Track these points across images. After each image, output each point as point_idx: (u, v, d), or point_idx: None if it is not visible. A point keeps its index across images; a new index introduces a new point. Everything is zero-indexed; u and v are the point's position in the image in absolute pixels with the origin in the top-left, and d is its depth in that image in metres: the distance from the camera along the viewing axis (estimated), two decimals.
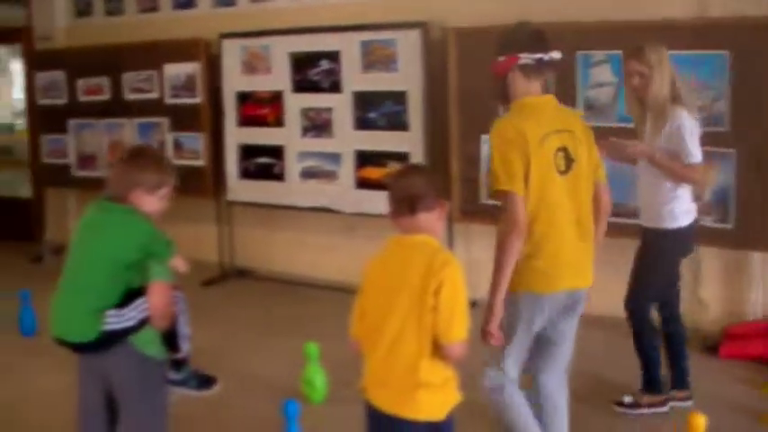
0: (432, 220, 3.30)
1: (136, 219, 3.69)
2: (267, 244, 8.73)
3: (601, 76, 6.57)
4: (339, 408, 5.25)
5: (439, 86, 7.26)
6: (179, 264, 3.91)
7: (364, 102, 7.62)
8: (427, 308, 3.12)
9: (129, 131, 9.18)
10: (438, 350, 3.16)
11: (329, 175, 7.86)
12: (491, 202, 7.01)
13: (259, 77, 8.21)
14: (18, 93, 15.43)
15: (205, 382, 5.57)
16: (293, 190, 8.11)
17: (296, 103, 8.02)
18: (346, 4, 7.95)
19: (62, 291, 3.74)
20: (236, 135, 8.46)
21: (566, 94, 6.56)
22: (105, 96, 9.37)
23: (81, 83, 9.56)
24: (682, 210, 4.94)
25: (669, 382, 5.26)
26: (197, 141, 8.66)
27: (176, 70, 8.73)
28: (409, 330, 3.16)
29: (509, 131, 3.77)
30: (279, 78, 8.07)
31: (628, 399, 5.23)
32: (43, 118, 10.11)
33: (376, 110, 7.57)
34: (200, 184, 8.66)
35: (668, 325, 5.28)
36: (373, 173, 7.65)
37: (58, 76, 9.77)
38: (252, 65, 8.25)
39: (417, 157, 7.34)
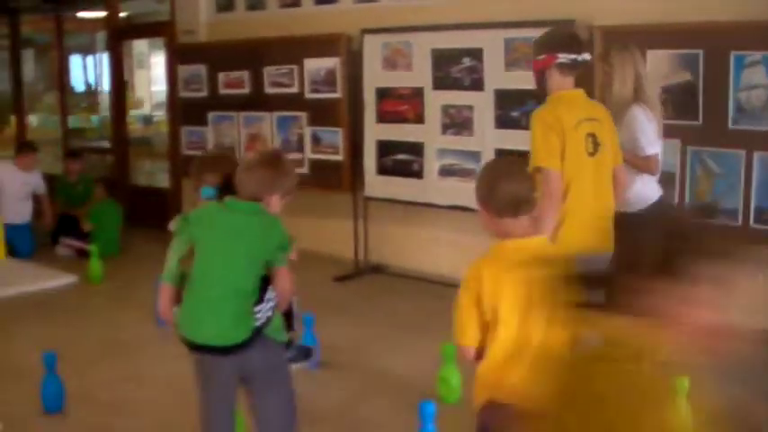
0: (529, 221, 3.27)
1: (275, 220, 3.86)
2: (402, 241, 8.68)
3: (754, 77, 6.33)
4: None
5: (584, 85, 7.08)
6: (293, 255, 4.15)
7: (506, 100, 7.52)
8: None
9: (268, 125, 9.26)
10: None
11: (468, 174, 7.76)
12: None
13: (400, 73, 8.18)
14: (157, 85, 15.81)
15: (307, 353, 5.97)
16: (431, 187, 8.05)
17: (436, 100, 7.96)
18: (490, 1, 7.83)
19: (205, 295, 3.79)
20: (375, 131, 8.46)
21: (717, 95, 6.40)
22: (245, 90, 9.48)
23: (222, 76, 9.70)
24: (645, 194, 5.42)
25: None
26: (336, 136, 8.69)
27: (317, 65, 8.77)
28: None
29: (548, 117, 4.41)
30: (420, 75, 8.02)
31: None
32: (184, 110, 10.30)
33: (518, 108, 7.44)
34: (337, 179, 8.70)
35: None
36: None
37: (200, 69, 9.94)
38: (393, 61, 8.23)
39: None
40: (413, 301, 7.73)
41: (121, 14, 12.27)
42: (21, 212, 9.80)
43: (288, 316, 5.07)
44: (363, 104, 8.46)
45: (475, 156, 7.73)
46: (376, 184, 8.48)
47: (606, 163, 4.55)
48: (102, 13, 12.59)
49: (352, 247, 8.89)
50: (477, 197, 3.26)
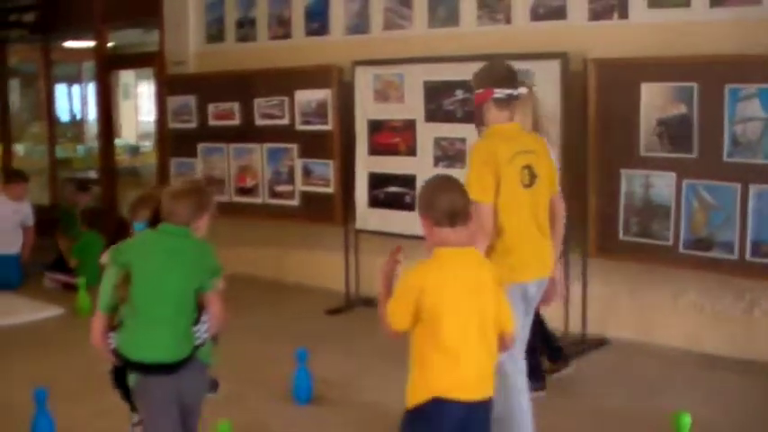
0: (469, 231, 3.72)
1: (207, 245, 4.13)
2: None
3: (748, 110, 6.31)
4: None
5: (577, 119, 7.09)
6: (222, 284, 4.28)
7: None
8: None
9: (258, 157, 9.20)
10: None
11: None
12: (629, 238, 6.88)
13: (392, 105, 8.15)
14: (143, 116, 15.77)
15: (215, 384, 5.93)
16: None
17: (429, 133, 7.92)
18: (483, 33, 7.84)
19: (147, 316, 4.00)
20: (366, 163, 8.41)
21: (712, 128, 6.39)
22: (236, 121, 9.44)
23: (212, 107, 9.65)
24: None
25: None
26: (327, 168, 8.64)
27: (308, 97, 8.74)
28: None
29: (483, 153, 4.60)
30: (412, 107, 7.99)
31: None
32: (173, 141, 10.23)
33: None
34: (328, 212, 8.66)
35: None
36: None
37: (190, 100, 9.88)
38: (385, 93, 8.20)
39: None
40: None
41: (109, 44, 12.21)
42: (10, 243, 9.69)
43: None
44: (355, 136, 8.41)
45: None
46: (367, 216, 8.42)
47: (543, 193, 4.75)
48: (88, 44, 12.55)
49: (343, 279, 8.81)
50: (419, 209, 3.71)
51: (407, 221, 7.99)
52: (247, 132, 9.30)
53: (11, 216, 9.69)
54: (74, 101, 15.89)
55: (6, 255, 9.67)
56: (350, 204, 8.57)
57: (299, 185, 8.91)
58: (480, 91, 4.78)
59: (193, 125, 9.87)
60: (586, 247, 7.19)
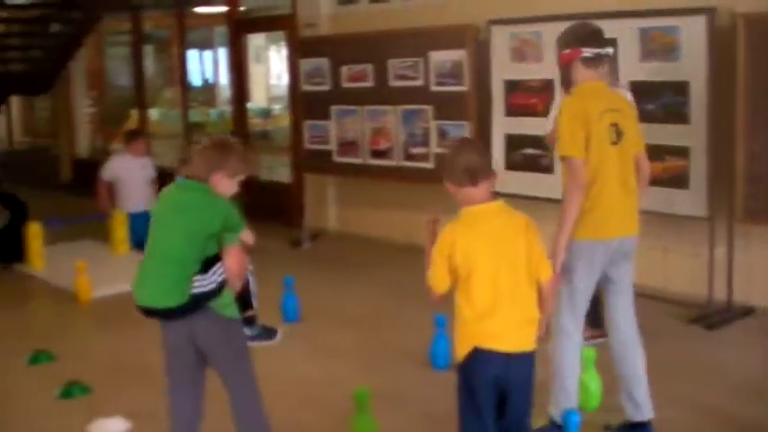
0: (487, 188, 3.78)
1: (216, 197, 4.13)
2: None
3: None
4: (613, 415, 4.95)
5: (725, 77, 6.78)
6: (247, 237, 4.34)
7: (642, 92, 7.14)
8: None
9: (392, 119, 9.12)
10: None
11: None
12: None
13: (529, 65, 7.96)
14: (274, 79, 15.85)
15: (271, 332, 6.57)
16: (558, 182, 7.76)
17: None
18: None
19: (148, 262, 4.14)
20: (503, 125, 8.24)
21: None
22: (369, 83, 9.37)
23: (345, 69, 9.60)
24: None
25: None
26: (462, 130, 8.48)
27: (442, 57, 8.60)
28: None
29: (574, 108, 4.61)
30: (550, 67, 7.68)
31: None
32: (306, 104, 10.21)
33: (654, 101, 7.13)
34: None
35: None
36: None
37: (322, 62, 9.84)
38: (522, 52, 8.00)
39: (699, 152, 6.91)
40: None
41: (240, 9, 12.26)
42: (143, 200, 9.67)
43: (244, 294, 5.58)
44: (491, 97, 8.24)
45: None
46: (504, 179, 8.21)
47: (629, 151, 4.74)
48: (220, 9, 12.63)
49: None
50: (443, 174, 3.79)
51: (545, 184, 7.83)
52: (381, 94, 9.22)
53: (139, 172, 9.60)
54: (205, 66, 16.09)
55: (141, 212, 9.49)
56: None
57: (434, 148, 8.79)
58: (567, 51, 4.78)
59: (326, 87, 9.83)
60: (733, 210, 6.90)
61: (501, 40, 8.11)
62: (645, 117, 7.10)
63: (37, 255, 9.26)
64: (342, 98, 9.69)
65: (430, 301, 3.86)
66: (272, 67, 15.99)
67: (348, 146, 9.64)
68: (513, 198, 7.90)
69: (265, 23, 12.60)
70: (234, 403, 4.31)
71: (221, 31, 13.50)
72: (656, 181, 7.11)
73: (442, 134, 8.66)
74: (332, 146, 9.84)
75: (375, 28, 9.42)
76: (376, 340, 6.65)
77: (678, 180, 7.08)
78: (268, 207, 11.15)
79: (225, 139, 4.35)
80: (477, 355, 3.68)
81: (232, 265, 4.14)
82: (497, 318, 3.68)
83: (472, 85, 8.42)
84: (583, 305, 4.76)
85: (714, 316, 6.79)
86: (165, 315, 4.13)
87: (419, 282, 3.97)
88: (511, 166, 8.23)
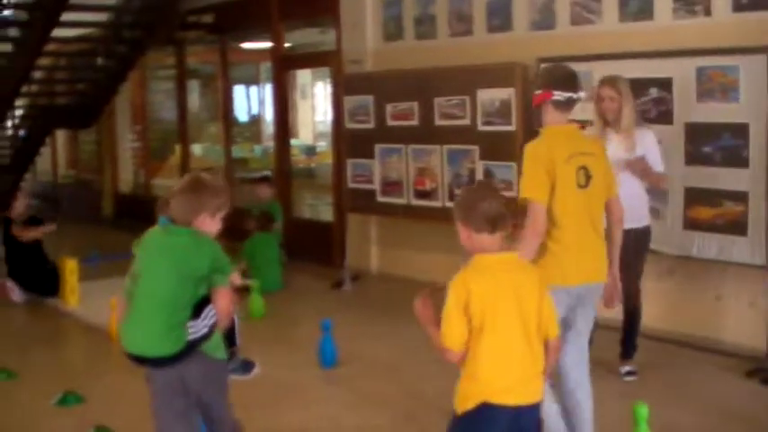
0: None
1: (204, 239, 4.14)
2: None
3: None
4: None
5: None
6: (235, 278, 4.49)
7: (698, 134, 6.95)
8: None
9: (437, 158, 8.89)
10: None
11: (654, 213, 7.21)
12: None
13: (582, 105, 7.64)
14: (319, 116, 15.75)
15: (248, 366, 6.56)
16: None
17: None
18: (680, 27, 7.25)
19: (138, 309, 4.11)
20: None
21: None
22: (414, 122, 9.17)
23: (390, 107, 9.42)
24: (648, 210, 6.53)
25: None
26: (509, 171, 8.20)
27: (490, 96, 8.38)
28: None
29: (540, 152, 4.62)
30: None
31: (628, 368, 6.55)
32: (350, 142, 10.03)
33: (711, 143, 6.87)
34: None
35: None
36: (704, 212, 6.96)
37: (367, 99, 9.67)
38: None
39: (759, 197, 6.60)
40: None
41: (285, 45, 12.14)
42: None
43: (230, 332, 5.61)
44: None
45: (662, 194, 7.14)
46: None
47: (598, 195, 4.74)
48: (264, 44, 12.56)
49: None
50: (458, 216, 3.71)
51: None
52: (426, 133, 9.00)
53: None
54: (251, 101, 16.03)
55: None
56: None
57: None
58: (539, 92, 4.81)
59: (371, 125, 9.65)
60: None
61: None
62: (701, 160, 6.92)
63: (72, 291, 9.13)
64: (386, 136, 9.50)
65: (447, 362, 3.67)
66: (318, 103, 15.92)
67: (392, 185, 9.44)
68: None
69: (310, 59, 12.49)
70: None
71: (267, 67, 13.41)
72: (711, 227, 6.89)
73: (489, 175, 8.40)
74: (375, 185, 9.64)
75: (421, 65, 9.22)
76: (415, 388, 6.39)
77: (735, 226, 6.78)
78: (309, 246, 10.98)
79: (198, 179, 4.31)
80: (486, 411, 3.59)
81: (223, 306, 4.15)
82: (510, 373, 3.60)
83: (520, 124, 8.17)
84: (576, 347, 4.79)
85: None
86: (158, 363, 4.13)
87: None
88: None
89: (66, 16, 10.92)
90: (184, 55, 14.51)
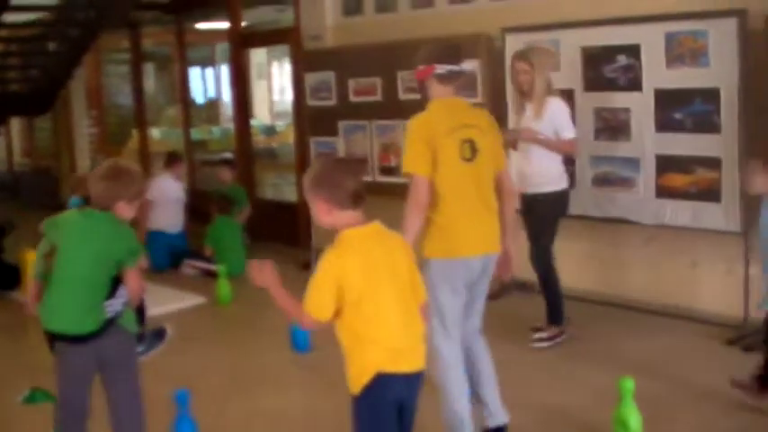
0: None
1: (122, 225, 4.35)
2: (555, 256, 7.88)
3: None
4: None
5: (758, 83, 6.39)
6: (143, 261, 4.57)
7: (668, 101, 6.84)
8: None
9: (402, 133, 8.70)
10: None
11: (625, 183, 7.12)
12: None
13: None
14: (276, 95, 15.56)
15: (160, 334, 6.39)
16: (584, 198, 7.40)
17: (588, 103, 7.31)
18: None
19: (58, 289, 4.30)
20: None
21: None
22: (378, 97, 8.98)
23: (352, 83, 9.22)
24: (560, 175, 6.68)
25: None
26: None
27: (468, 65, 8.17)
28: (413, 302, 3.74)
29: (420, 126, 4.71)
30: (569, 76, 7.38)
31: (540, 334, 6.65)
32: (312, 120, 9.84)
33: (681, 110, 6.77)
34: None
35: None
36: (677, 180, 6.86)
37: (329, 76, 9.47)
38: None
39: (731, 163, 6.51)
40: (568, 323, 7.03)
41: (242, 24, 11.90)
42: (177, 221, 10.14)
43: (139, 312, 5.61)
44: (506, 109, 7.82)
45: (633, 163, 7.06)
46: None
47: (486, 168, 4.76)
48: (221, 25, 12.31)
49: None
50: (319, 193, 3.61)
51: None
52: (391, 108, 8.79)
53: (175, 194, 10.10)
54: (207, 83, 15.83)
55: (172, 233, 10.03)
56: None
57: None
58: (422, 67, 4.91)
59: (333, 102, 9.46)
60: None
61: (516, 49, 7.67)
62: (672, 126, 6.81)
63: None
64: (349, 113, 9.32)
65: (305, 328, 3.86)
66: (275, 82, 15.73)
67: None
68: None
69: (268, 37, 12.24)
70: (120, 413, 4.51)
71: (223, 47, 13.20)
72: (684, 194, 6.80)
73: None
74: None
75: (383, 39, 9.02)
76: None
77: (709, 193, 6.71)
78: (274, 227, 10.80)
79: (119, 167, 4.42)
80: (382, 380, 3.59)
81: (134, 286, 4.38)
82: (398, 340, 3.62)
83: (486, 96, 8.00)
84: (453, 322, 4.76)
85: (751, 337, 6.35)
86: (78, 340, 4.29)
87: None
88: None
89: (17, 0, 10.64)
90: (140, 37, 14.23)
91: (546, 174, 6.60)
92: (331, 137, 9.52)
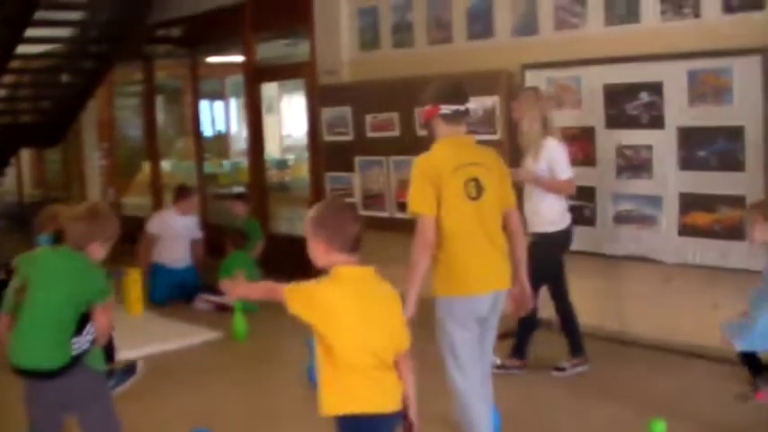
0: None
1: (95, 267, 4.44)
2: (573, 293, 7.77)
3: None
4: None
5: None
6: (111, 299, 4.60)
7: (691, 138, 6.80)
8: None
9: None
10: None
11: (647, 221, 7.06)
12: None
13: (567, 112, 7.51)
14: (286, 129, 15.52)
15: (129, 370, 6.49)
16: (605, 236, 7.35)
17: (610, 141, 7.28)
18: (669, 29, 7.04)
19: (27, 325, 4.33)
20: None
21: None
22: (395, 132, 8.97)
23: (369, 118, 9.20)
24: (560, 215, 6.64)
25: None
26: None
27: (474, 104, 8.12)
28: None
29: (424, 164, 4.76)
30: (590, 113, 7.36)
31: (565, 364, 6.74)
32: (328, 155, 9.82)
33: (705, 148, 6.72)
34: None
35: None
36: (701, 218, 6.80)
37: (345, 111, 9.45)
38: (559, 98, 7.56)
39: (756, 200, 6.45)
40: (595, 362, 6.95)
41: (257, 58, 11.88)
42: (181, 257, 10.01)
43: (108, 348, 5.59)
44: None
45: (655, 201, 7.01)
46: None
47: (491, 206, 4.78)
48: (233, 58, 12.33)
49: None
50: (321, 234, 3.63)
51: (588, 237, 7.35)
52: (408, 144, 8.73)
53: (182, 230, 10.00)
54: (216, 116, 15.80)
55: (177, 268, 9.92)
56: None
57: None
58: (427, 107, 4.93)
59: (349, 137, 9.44)
60: None
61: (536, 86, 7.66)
62: (696, 165, 6.75)
63: None
64: (366, 148, 9.30)
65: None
66: (285, 117, 15.70)
67: (373, 198, 9.24)
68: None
69: (283, 71, 12.19)
70: None
71: (233, 80, 13.17)
72: (708, 232, 6.72)
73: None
74: (356, 198, 9.41)
75: (400, 74, 8.98)
76: None
77: (733, 232, 6.62)
78: (286, 261, 10.68)
79: (97, 208, 4.56)
80: (366, 421, 3.59)
81: (103, 323, 4.45)
82: (381, 380, 3.63)
83: (505, 133, 7.97)
84: (467, 358, 4.77)
85: None
86: (44, 376, 4.32)
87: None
88: None
89: (31, 32, 10.63)
90: (153, 70, 14.23)
91: (547, 214, 6.60)
92: (347, 172, 9.48)
